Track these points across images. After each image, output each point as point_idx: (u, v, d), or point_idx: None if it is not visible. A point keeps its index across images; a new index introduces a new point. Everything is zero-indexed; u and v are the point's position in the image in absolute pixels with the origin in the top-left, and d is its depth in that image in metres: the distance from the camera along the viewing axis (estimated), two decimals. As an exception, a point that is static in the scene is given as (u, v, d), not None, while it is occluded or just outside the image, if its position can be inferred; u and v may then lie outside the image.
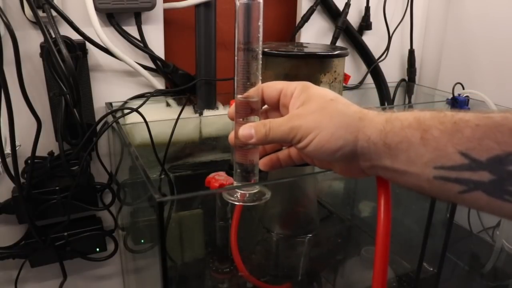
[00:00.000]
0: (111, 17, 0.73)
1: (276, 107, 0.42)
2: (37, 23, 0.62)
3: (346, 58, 0.68)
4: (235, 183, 0.43)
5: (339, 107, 0.36)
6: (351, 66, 1.01)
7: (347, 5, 0.92)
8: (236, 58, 0.39)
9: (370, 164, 0.35)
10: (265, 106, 0.43)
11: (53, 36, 0.63)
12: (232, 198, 0.42)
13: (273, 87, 0.40)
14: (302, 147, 0.36)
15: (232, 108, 0.41)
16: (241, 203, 0.43)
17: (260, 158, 0.44)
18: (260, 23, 0.38)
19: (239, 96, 0.40)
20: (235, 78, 0.40)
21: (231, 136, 0.42)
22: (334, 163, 0.39)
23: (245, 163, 0.42)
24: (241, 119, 0.40)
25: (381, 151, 0.33)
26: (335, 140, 0.34)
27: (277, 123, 0.38)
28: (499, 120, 0.28)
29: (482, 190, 0.29)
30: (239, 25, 0.38)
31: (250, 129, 0.39)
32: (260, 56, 0.39)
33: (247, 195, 0.43)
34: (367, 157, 0.34)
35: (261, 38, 0.38)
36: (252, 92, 0.40)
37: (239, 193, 0.42)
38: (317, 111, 0.36)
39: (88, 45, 0.72)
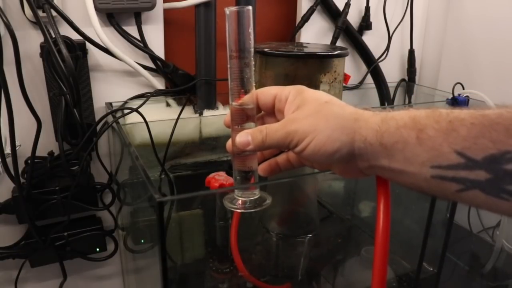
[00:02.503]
0: (111, 17, 0.73)
1: (271, 113, 0.41)
2: (37, 23, 0.62)
3: (346, 58, 0.68)
4: (236, 191, 0.43)
5: (334, 109, 0.36)
6: (351, 66, 1.01)
7: (347, 5, 0.92)
8: (228, 66, 0.39)
9: (368, 165, 0.35)
10: (262, 112, 0.43)
11: (53, 36, 0.63)
12: (234, 206, 0.42)
13: (267, 93, 0.40)
14: (299, 151, 0.36)
15: (228, 116, 0.41)
16: (242, 210, 0.43)
17: (259, 163, 0.44)
18: (251, 30, 0.38)
19: (234, 103, 0.40)
20: (229, 86, 0.40)
21: (229, 144, 0.42)
22: (333, 165, 0.39)
23: (244, 170, 0.41)
24: (237, 126, 0.40)
25: (377, 152, 0.33)
26: (331, 142, 0.34)
27: (273, 129, 0.38)
28: (494, 118, 0.28)
29: (479, 189, 0.29)
30: (230, 33, 0.37)
31: (247, 136, 0.39)
32: (253, 63, 0.39)
33: (248, 202, 0.42)
34: (364, 157, 0.34)
35: (252, 45, 0.38)
36: (247, 99, 0.39)
37: (240, 200, 0.42)
38: (312, 115, 0.36)
39: (88, 45, 0.72)
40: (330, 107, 0.36)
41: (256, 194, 0.42)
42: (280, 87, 0.40)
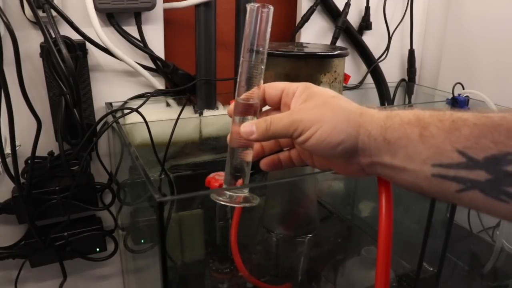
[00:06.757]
0: (111, 17, 0.73)
1: (277, 107, 0.42)
2: (37, 23, 0.62)
3: (346, 58, 0.68)
4: (224, 186, 0.43)
5: (340, 103, 0.37)
6: (351, 66, 1.01)
7: (347, 5, 0.92)
8: (242, 59, 0.39)
9: (370, 161, 0.35)
10: (266, 107, 0.43)
11: (53, 36, 0.63)
12: (220, 198, 0.42)
13: (276, 87, 0.41)
14: (303, 141, 0.36)
15: (232, 107, 0.42)
16: (228, 204, 0.42)
17: (261, 158, 0.44)
18: (269, 29, 0.39)
19: (239, 98, 0.40)
20: (238, 79, 0.40)
21: (229, 137, 0.42)
22: (333, 161, 0.39)
23: (237, 166, 0.42)
24: (238, 118, 0.41)
25: (381, 147, 0.33)
26: (337, 133, 0.35)
27: (278, 118, 0.38)
28: (497, 120, 0.28)
29: (478, 189, 0.29)
30: (251, 28, 0.38)
31: (251, 126, 0.39)
32: (265, 60, 0.40)
33: (235, 197, 0.42)
34: (367, 153, 0.35)
35: (267, 44, 0.39)
36: (253, 93, 0.40)
37: (227, 194, 0.42)
38: (319, 106, 0.36)
39: (88, 45, 0.72)
40: (337, 101, 0.37)
41: (245, 192, 0.43)
42: (288, 82, 0.41)
